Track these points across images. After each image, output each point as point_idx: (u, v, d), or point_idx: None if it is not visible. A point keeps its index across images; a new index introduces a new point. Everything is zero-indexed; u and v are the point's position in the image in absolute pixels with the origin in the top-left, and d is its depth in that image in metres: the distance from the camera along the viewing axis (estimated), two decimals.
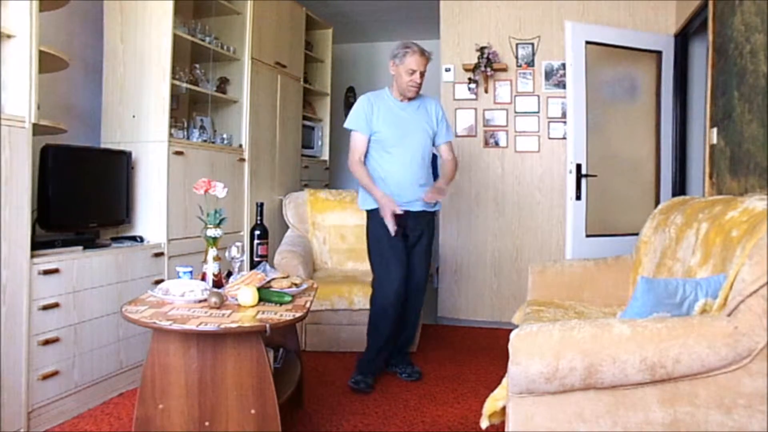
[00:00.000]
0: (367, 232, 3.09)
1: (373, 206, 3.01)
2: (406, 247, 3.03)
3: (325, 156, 5.33)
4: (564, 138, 4.10)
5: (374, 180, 2.98)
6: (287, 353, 2.60)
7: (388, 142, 2.99)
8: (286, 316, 1.98)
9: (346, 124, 3.05)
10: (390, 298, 2.95)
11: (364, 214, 3.14)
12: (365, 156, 3.04)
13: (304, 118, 4.86)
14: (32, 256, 2.33)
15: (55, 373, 2.43)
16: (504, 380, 1.69)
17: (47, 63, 2.52)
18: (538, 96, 4.22)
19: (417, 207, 3.00)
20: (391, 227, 2.88)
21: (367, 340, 3.09)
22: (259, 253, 2.89)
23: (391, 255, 2.96)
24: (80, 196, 2.79)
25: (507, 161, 4.31)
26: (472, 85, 4.25)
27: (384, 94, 3.09)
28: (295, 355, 2.62)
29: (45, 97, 2.61)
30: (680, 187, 4.01)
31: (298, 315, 2.01)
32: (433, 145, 3.15)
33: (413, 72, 2.93)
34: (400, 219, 2.92)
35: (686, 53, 4.00)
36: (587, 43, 3.76)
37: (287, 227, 4.11)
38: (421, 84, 2.98)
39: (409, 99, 3.05)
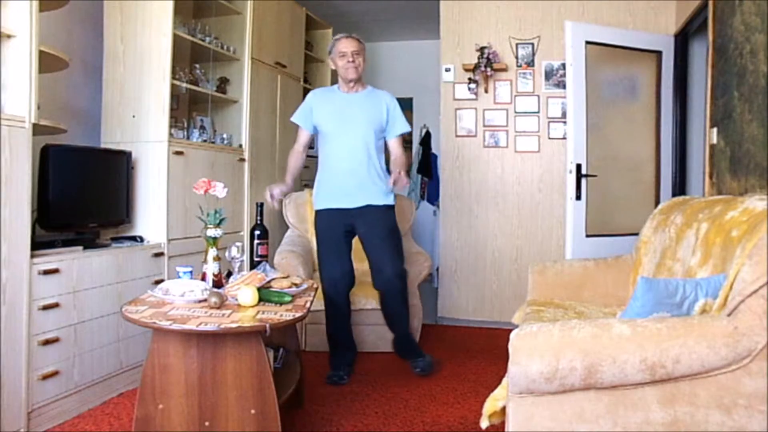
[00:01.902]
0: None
1: (317, 207, 3.14)
2: (349, 244, 3.14)
3: None
4: (564, 138, 4.09)
5: (321, 173, 3.15)
6: (287, 353, 2.60)
7: (329, 134, 3.09)
8: (286, 316, 1.98)
9: (291, 118, 3.22)
10: (329, 294, 3.09)
11: None
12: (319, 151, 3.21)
13: None
14: (32, 256, 2.33)
15: (55, 373, 2.43)
16: (504, 380, 1.69)
17: (47, 63, 2.52)
18: (538, 96, 4.22)
19: (360, 202, 3.05)
20: (267, 200, 3.06)
21: None
22: (259, 253, 2.89)
23: (329, 253, 3.10)
24: (80, 196, 2.79)
25: (507, 161, 4.30)
26: (472, 85, 4.25)
27: (333, 88, 3.20)
28: (295, 355, 2.62)
29: (45, 97, 2.61)
30: (680, 187, 4.01)
31: (298, 315, 2.01)
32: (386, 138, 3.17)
33: (344, 54, 3.03)
34: (344, 216, 3.05)
35: (686, 53, 4.00)
36: (587, 43, 3.75)
37: (287, 227, 4.11)
38: (358, 65, 3.03)
39: (355, 88, 3.10)
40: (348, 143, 3.04)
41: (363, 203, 3.05)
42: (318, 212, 3.15)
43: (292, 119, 3.22)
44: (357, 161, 3.03)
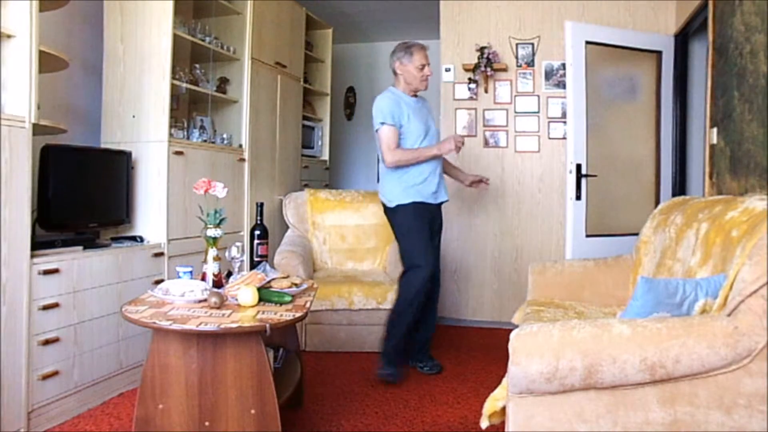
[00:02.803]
0: (396, 226, 3.17)
1: (403, 201, 3.10)
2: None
3: (325, 156, 5.33)
4: (564, 138, 4.10)
5: (407, 171, 3.09)
6: (287, 353, 2.60)
7: (418, 136, 3.12)
8: (286, 316, 1.98)
9: (380, 119, 3.05)
10: (420, 285, 3.04)
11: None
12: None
13: (304, 118, 4.86)
14: (32, 256, 2.33)
15: (55, 373, 2.43)
16: (504, 380, 1.69)
17: (47, 63, 2.52)
18: (538, 96, 4.22)
19: (442, 197, 3.22)
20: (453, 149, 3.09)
21: (389, 331, 3.09)
22: (259, 253, 2.90)
23: (424, 244, 3.08)
24: (80, 196, 2.79)
25: (507, 161, 4.30)
26: (472, 85, 4.25)
27: (397, 92, 3.17)
28: (295, 355, 2.62)
29: (45, 97, 2.61)
30: (680, 187, 4.01)
31: (298, 315, 2.01)
32: None
33: (423, 66, 3.10)
34: (430, 211, 3.15)
35: (686, 53, 4.00)
36: (587, 43, 3.75)
37: (287, 227, 4.11)
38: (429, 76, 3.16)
39: (415, 95, 3.21)
40: (431, 143, 3.17)
41: (444, 198, 3.24)
42: (407, 205, 3.09)
43: (383, 120, 3.03)
44: (438, 160, 3.20)
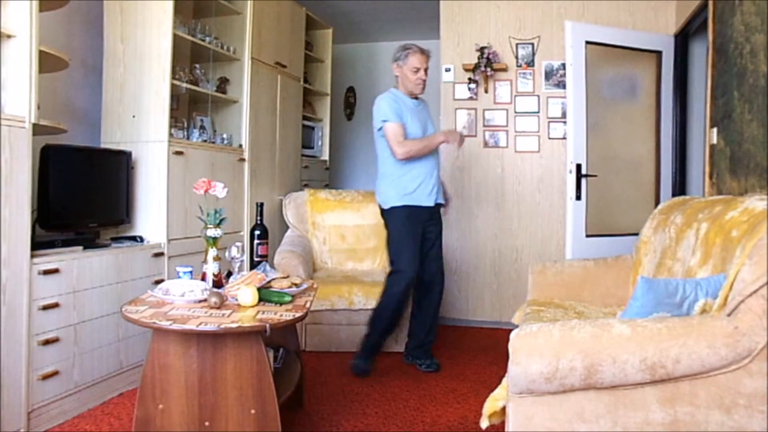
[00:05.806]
0: (389, 227, 3.20)
1: (397, 204, 3.14)
2: (423, 241, 3.21)
3: (325, 156, 5.33)
4: (564, 138, 4.10)
5: (403, 172, 3.12)
6: (287, 353, 2.60)
7: (415, 137, 3.13)
8: (286, 316, 1.98)
9: (382, 117, 3.08)
10: (401, 290, 3.11)
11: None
12: (385, 156, 3.19)
13: (304, 118, 4.86)
14: (32, 256, 2.33)
15: (55, 373, 2.43)
16: (504, 380, 1.69)
17: (47, 63, 2.52)
18: (538, 96, 4.22)
19: (438, 199, 3.24)
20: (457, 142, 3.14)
21: (370, 328, 3.19)
22: (259, 253, 2.90)
23: (411, 250, 3.11)
24: (80, 196, 2.78)
25: (507, 161, 4.30)
26: (472, 85, 4.25)
27: (398, 93, 3.22)
28: (295, 355, 2.62)
29: (45, 97, 2.61)
30: (680, 187, 4.01)
31: (298, 315, 2.01)
32: None
33: (418, 70, 3.11)
34: (425, 214, 3.17)
35: (686, 53, 4.00)
36: (587, 43, 3.76)
37: (287, 227, 4.11)
38: (425, 81, 3.15)
39: (415, 98, 3.22)
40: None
41: (437, 202, 3.24)
42: (402, 207, 3.13)
43: (386, 118, 3.06)
44: (435, 163, 3.23)
